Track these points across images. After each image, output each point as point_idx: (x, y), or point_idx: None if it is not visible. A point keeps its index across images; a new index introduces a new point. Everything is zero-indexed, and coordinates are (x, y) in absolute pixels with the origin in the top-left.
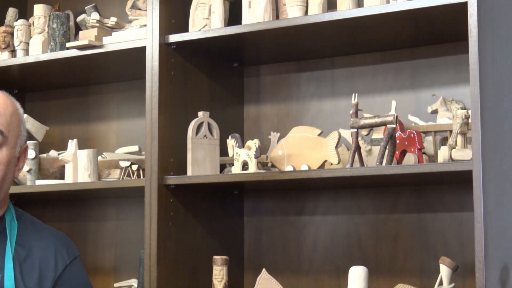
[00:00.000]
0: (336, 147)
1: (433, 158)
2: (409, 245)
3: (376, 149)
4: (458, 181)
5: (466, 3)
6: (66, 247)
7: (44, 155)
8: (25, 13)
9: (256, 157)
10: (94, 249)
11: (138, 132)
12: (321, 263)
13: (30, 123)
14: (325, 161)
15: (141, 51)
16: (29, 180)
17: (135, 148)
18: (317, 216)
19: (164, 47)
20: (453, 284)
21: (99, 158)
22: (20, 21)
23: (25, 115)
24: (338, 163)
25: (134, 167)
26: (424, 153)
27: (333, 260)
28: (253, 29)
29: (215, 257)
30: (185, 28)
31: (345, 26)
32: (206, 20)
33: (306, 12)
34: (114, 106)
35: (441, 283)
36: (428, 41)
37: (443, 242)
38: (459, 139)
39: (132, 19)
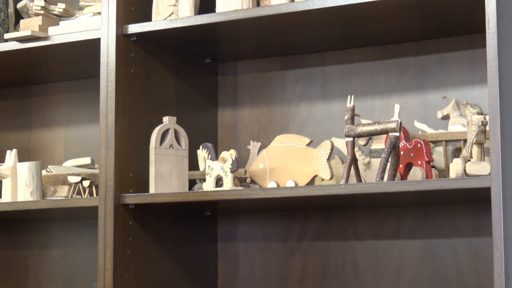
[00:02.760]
0: (328, 159)
1: (444, 172)
2: (415, 276)
3: (376, 162)
4: (473, 201)
5: None
6: None
7: None
8: None
9: (232, 171)
10: (37, 281)
11: (91, 141)
12: None
13: None
14: (315, 176)
15: (95, 43)
16: None
17: (87, 160)
18: (305, 242)
19: (122, 39)
20: None
21: (44, 172)
22: None
23: None
24: (331, 178)
25: (86, 183)
26: (433, 166)
27: None
28: (228, 18)
29: None
30: (147, 17)
31: (339, 15)
32: (172, 7)
33: None
34: (62, 109)
35: None
36: (438, 33)
37: (456, 273)
38: (475, 150)
39: (83, 6)
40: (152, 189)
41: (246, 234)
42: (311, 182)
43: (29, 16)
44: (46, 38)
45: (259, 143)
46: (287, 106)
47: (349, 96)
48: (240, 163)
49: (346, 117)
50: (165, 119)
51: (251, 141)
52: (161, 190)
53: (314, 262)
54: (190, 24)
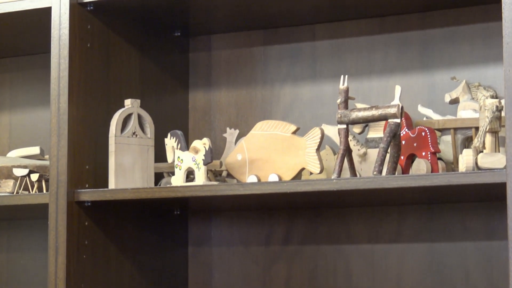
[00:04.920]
0: (318, 149)
1: (452, 165)
2: (418, 286)
3: (374, 153)
4: (486, 198)
5: None
6: None
7: None
8: None
9: (205, 163)
10: None
11: (40, 127)
12: None
13: None
14: (302, 169)
15: (45, 13)
16: None
17: (35, 150)
18: (290, 246)
19: (77, 8)
20: None
21: None
22: None
23: None
24: (320, 172)
25: (34, 176)
26: (439, 158)
27: None
28: None
29: None
30: None
31: None
32: None
33: None
34: (6, 90)
35: None
36: (446, 3)
37: (465, 282)
38: (488, 139)
39: None
40: (111, 184)
41: (222, 237)
42: (298, 176)
43: None
44: None
45: (237, 131)
46: (269, 88)
47: (342, 76)
48: (214, 153)
49: (338, 101)
50: (127, 102)
51: (228, 129)
52: (123, 186)
53: (301, 269)
54: None
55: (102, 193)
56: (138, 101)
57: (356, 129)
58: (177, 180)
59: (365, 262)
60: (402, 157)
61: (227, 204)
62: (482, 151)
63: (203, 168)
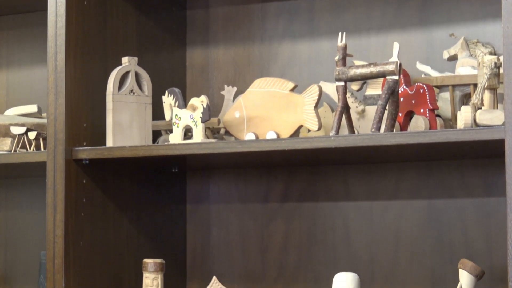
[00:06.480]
0: (316, 107)
1: (450, 122)
2: (417, 243)
3: (372, 110)
4: (484, 155)
5: None
6: None
7: None
8: None
9: (203, 120)
10: None
11: (37, 85)
12: (295, 269)
13: None
14: (300, 126)
15: None
16: None
17: (32, 108)
18: (289, 203)
19: None
20: None
21: None
22: None
23: None
24: (319, 129)
25: (32, 135)
26: (438, 115)
27: (311, 265)
28: None
29: (146, 260)
30: None
31: None
32: None
33: None
34: (3, 48)
35: None
36: None
37: (464, 239)
38: (487, 96)
39: None
40: (109, 142)
41: (220, 194)
42: (296, 133)
43: None
44: None
45: (235, 88)
46: (267, 45)
47: (340, 33)
48: (212, 111)
49: (336, 58)
50: (125, 60)
51: (226, 86)
52: (120, 143)
53: (299, 226)
54: None
55: (100, 151)
56: (136, 58)
57: (354, 86)
58: (175, 137)
59: (364, 219)
60: (400, 114)
61: (225, 161)
62: (481, 108)
63: (201, 126)
